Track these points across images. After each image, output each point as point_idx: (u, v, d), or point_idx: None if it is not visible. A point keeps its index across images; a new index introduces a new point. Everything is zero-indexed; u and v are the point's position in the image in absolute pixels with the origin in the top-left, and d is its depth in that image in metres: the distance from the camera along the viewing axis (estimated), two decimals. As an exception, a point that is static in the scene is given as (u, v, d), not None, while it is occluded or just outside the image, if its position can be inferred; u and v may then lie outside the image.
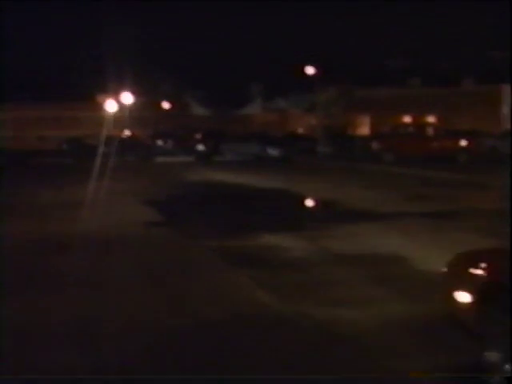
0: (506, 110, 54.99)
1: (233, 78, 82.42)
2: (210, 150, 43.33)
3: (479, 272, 4.89)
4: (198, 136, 46.71)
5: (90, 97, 75.58)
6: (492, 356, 4.55)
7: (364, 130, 65.72)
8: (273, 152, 39.45)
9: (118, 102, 62.29)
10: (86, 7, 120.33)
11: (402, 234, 11.41)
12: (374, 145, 35.42)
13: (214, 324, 6.37)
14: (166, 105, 73.69)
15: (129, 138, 49.27)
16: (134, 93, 63.81)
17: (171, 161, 40.58)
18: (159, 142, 52.20)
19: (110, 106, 61.02)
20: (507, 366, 4.41)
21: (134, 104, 64.74)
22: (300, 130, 68.56)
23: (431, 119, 56.15)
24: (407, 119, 57.53)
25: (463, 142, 33.88)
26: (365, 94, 66.21)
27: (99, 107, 66.50)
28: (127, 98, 62.87)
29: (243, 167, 32.77)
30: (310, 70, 56.70)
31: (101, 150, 38.18)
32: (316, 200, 17.69)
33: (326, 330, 6.21)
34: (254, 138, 44.09)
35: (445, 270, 5.51)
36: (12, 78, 71.73)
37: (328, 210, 15.99)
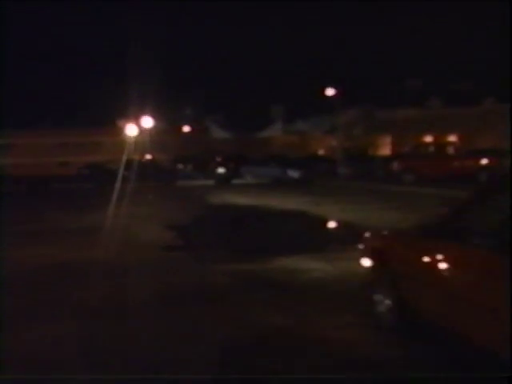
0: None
1: (253, 101, 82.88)
2: (230, 173, 43.43)
3: (375, 245, 7.42)
4: (219, 159, 46.88)
5: (110, 122, 76.08)
6: (377, 297, 7.01)
7: (385, 150, 65.57)
8: (293, 174, 39.42)
9: (139, 126, 62.64)
10: (107, 33, 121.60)
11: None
12: (394, 165, 35.32)
13: (228, 350, 6.30)
14: (186, 129, 74.01)
15: (149, 162, 49.50)
16: (154, 117, 64.12)
17: (192, 184, 40.71)
18: (180, 166, 52.43)
19: (131, 131, 61.40)
20: (387, 302, 6.70)
21: (155, 128, 65.04)
22: (321, 152, 68.57)
23: (452, 139, 55.90)
24: (428, 139, 57.32)
25: (483, 161, 33.67)
26: (385, 114, 66.14)
27: (120, 132, 66.91)
28: (148, 122, 63.19)
29: (263, 190, 32.78)
30: (330, 92, 56.77)
31: (121, 174, 38.39)
32: (334, 221, 17.57)
33: (349, 352, 6.13)
34: (274, 160, 44.16)
35: (360, 245, 7.96)
36: (33, 105, 72.59)
37: (345, 231, 15.86)
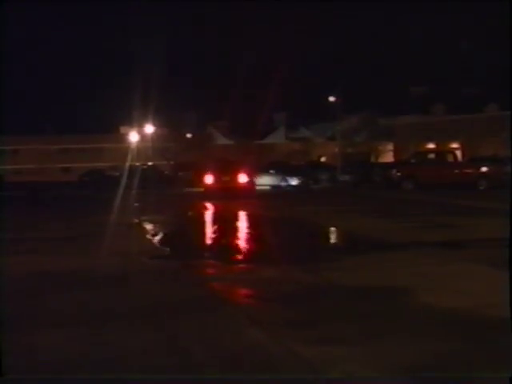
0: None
1: (256, 107, 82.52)
2: (229, 180, 43.21)
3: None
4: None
5: (113, 128, 76.21)
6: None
7: (388, 157, 65.41)
8: (291, 181, 39.34)
9: (142, 133, 62.65)
10: (110, 41, 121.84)
11: (408, 266, 11.03)
12: (394, 172, 35.09)
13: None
14: (189, 135, 73.82)
15: (150, 168, 49.33)
16: (157, 124, 64.11)
17: (190, 191, 40.56)
18: (180, 173, 52.21)
19: (134, 138, 61.41)
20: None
21: (157, 135, 65.02)
22: (323, 159, 68.47)
23: (454, 146, 55.68)
24: (429, 146, 57.11)
25: (483, 169, 33.41)
26: (388, 121, 65.95)
27: (123, 139, 66.99)
28: (150, 129, 63.20)
29: (258, 196, 32.53)
30: (332, 99, 56.74)
31: (121, 181, 38.32)
32: (325, 229, 17.27)
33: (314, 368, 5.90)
34: (273, 167, 44.05)
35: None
36: (36, 111, 72.64)
37: (335, 239, 15.66)
